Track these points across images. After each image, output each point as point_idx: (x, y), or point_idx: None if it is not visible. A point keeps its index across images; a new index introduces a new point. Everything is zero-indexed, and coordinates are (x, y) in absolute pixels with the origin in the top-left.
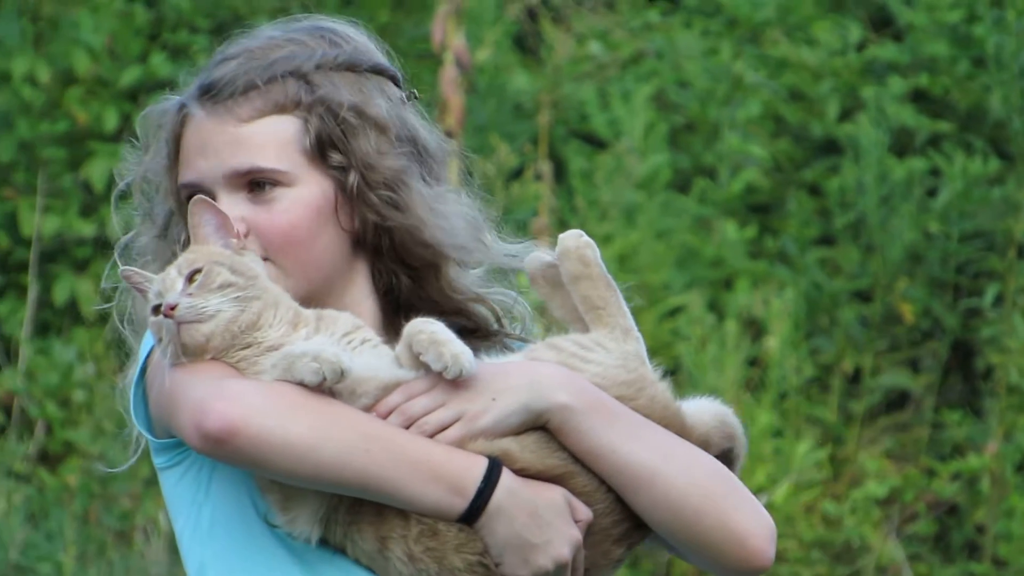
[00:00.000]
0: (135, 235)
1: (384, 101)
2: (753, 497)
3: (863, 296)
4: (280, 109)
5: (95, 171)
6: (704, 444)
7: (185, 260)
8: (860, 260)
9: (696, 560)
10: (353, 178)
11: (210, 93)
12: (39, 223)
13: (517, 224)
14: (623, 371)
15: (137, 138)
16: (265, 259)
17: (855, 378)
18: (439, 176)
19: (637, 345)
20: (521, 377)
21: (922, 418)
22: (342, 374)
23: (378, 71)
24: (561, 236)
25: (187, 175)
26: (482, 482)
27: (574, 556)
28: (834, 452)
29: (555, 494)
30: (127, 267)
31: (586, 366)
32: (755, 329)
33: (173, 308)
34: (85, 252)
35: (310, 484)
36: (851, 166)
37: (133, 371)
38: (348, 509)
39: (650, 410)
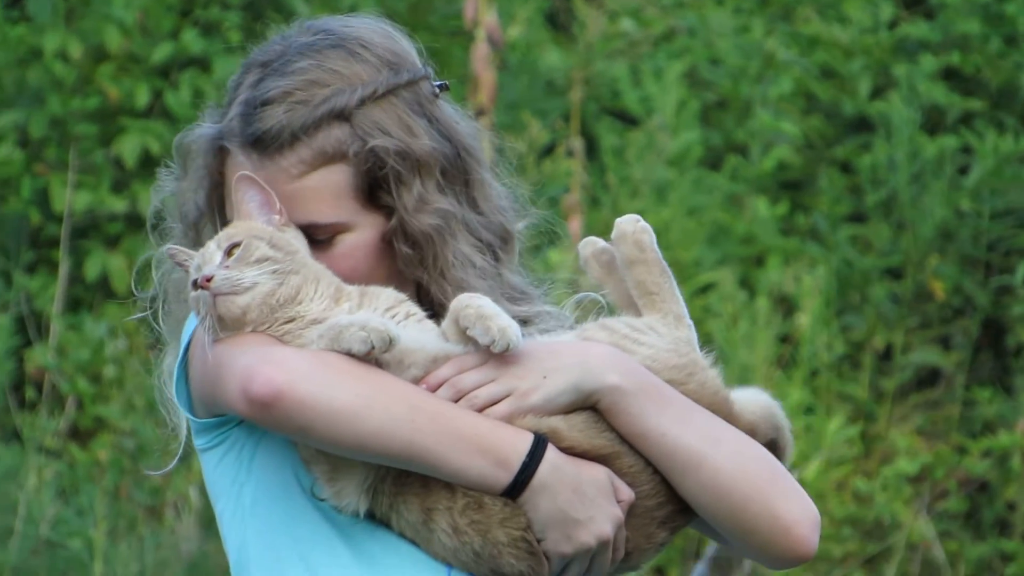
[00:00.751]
0: (165, 269)
1: (425, 126)
2: (799, 486)
3: (894, 273)
4: (329, 160)
5: (126, 147)
6: (751, 432)
7: (225, 234)
8: (891, 237)
9: (740, 548)
10: (393, 223)
11: (255, 146)
12: (70, 199)
13: (550, 201)
14: (674, 355)
15: (172, 162)
16: None
17: (886, 355)
18: (476, 176)
19: (689, 332)
20: (573, 356)
21: (953, 395)
22: (391, 342)
23: (413, 81)
24: (618, 220)
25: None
26: (527, 456)
27: (616, 535)
28: (865, 429)
29: (599, 472)
30: (171, 245)
31: (638, 348)
32: (786, 306)
33: (209, 280)
34: (116, 228)
35: (354, 453)
36: (882, 144)
37: (174, 357)
38: (394, 480)
39: (699, 395)
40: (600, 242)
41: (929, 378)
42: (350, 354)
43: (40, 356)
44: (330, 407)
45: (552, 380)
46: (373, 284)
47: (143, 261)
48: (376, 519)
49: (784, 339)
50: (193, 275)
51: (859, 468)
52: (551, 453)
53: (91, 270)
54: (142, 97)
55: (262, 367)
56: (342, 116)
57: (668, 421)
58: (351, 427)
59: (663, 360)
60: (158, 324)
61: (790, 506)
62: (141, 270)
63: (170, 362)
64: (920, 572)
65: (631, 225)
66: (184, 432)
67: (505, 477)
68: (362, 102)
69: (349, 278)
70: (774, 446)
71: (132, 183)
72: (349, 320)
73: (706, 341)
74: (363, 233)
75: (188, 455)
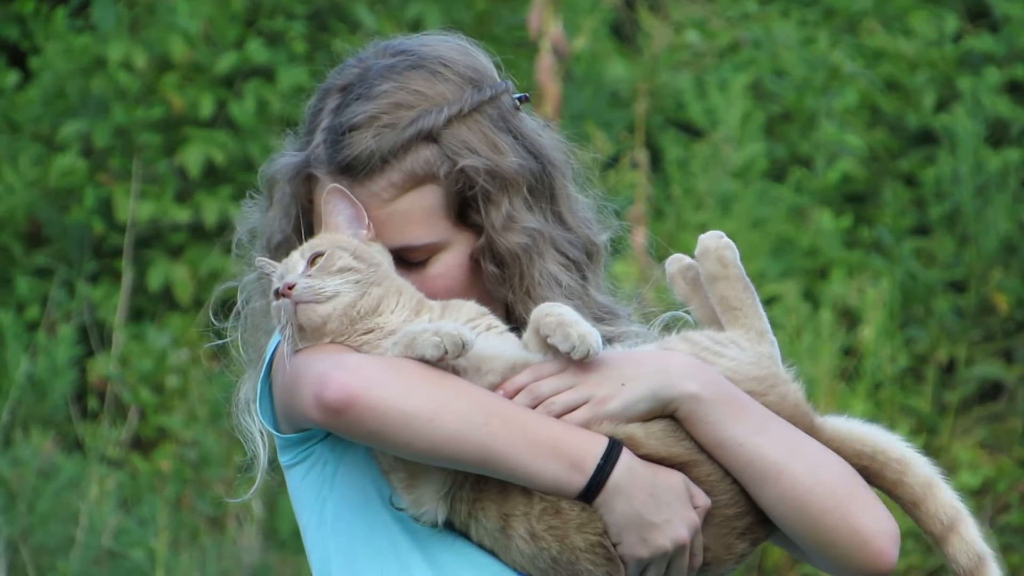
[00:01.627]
0: (246, 296)
1: (510, 142)
2: (878, 499)
3: (958, 286)
4: (419, 182)
5: (190, 157)
6: (833, 448)
7: (309, 245)
8: (955, 250)
9: (818, 561)
10: (481, 241)
11: (345, 172)
12: (134, 209)
13: (615, 214)
14: (755, 368)
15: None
16: None
17: (949, 368)
18: (561, 190)
19: (771, 348)
20: (652, 365)
21: (1016, 408)
22: (463, 346)
23: (495, 96)
24: (701, 236)
25: None
26: (602, 459)
27: (693, 540)
28: (928, 442)
29: (674, 477)
30: (261, 257)
31: (719, 360)
32: (850, 319)
33: (291, 288)
34: (180, 238)
35: (429, 458)
36: (946, 156)
37: (252, 384)
38: (472, 487)
39: (780, 407)
40: (686, 259)
41: (992, 391)
42: (424, 360)
43: (103, 366)
44: (403, 412)
45: (630, 387)
46: (464, 296)
47: (222, 291)
48: (455, 528)
49: (847, 352)
50: (276, 284)
51: None
52: (626, 457)
53: (154, 280)
54: (206, 107)
55: (335, 373)
56: (430, 137)
57: (746, 431)
58: (425, 432)
59: (744, 372)
60: (237, 351)
61: (868, 519)
62: (218, 298)
63: (247, 389)
64: None
65: (714, 241)
66: (264, 459)
67: (580, 480)
68: (448, 121)
69: (443, 298)
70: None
71: (196, 193)
72: (423, 327)
73: None
74: (456, 252)
75: (248, 465)
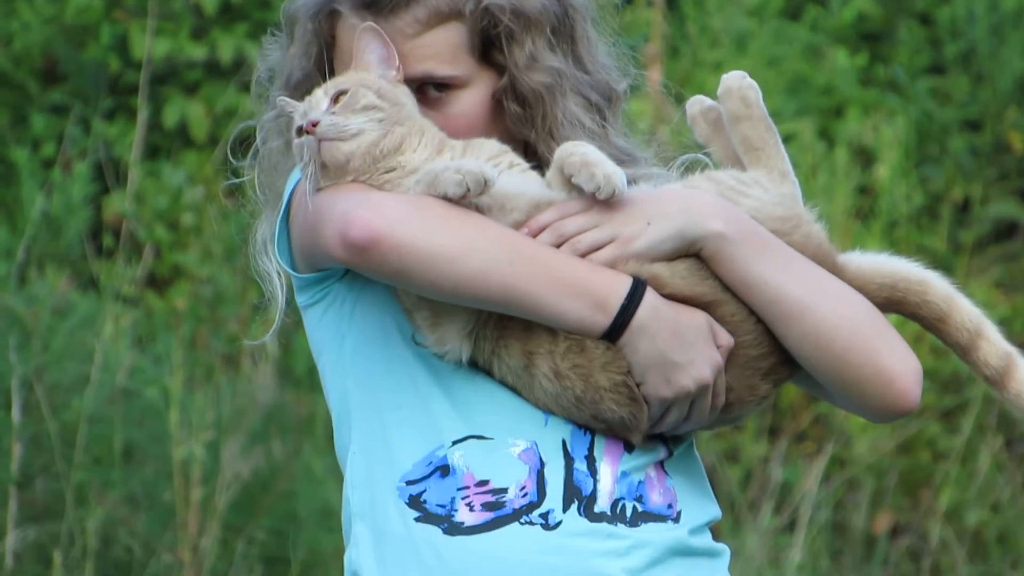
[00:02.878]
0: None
1: None
2: (902, 339)
3: (973, 125)
4: (444, 19)
5: None
6: (856, 286)
7: (333, 82)
8: (970, 89)
9: (842, 400)
10: (504, 81)
11: (369, 7)
12: (150, 46)
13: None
14: (779, 208)
15: (279, 29)
16: None
17: (964, 207)
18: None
19: (793, 188)
20: (677, 204)
21: None
22: (485, 184)
23: None
24: (724, 76)
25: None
26: (626, 299)
27: (716, 380)
28: None
29: (698, 317)
30: (281, 96)
31: (743, 199)
32: (865, 157)
33: (315, 125)
34: (195, 75)
35: (452, 297)
36: None
37: (269, 225)
38: (496, 325)
39: (804, 247)
40: (707, 100)
41: (1007, 231)
42: (446, 198)
43: (118, 203)
44: (428, 250)
45: (656, 226)
46: (484, 135)
47: (239, 130)
48: (478, 366)
49: (863, 190)
50: (298, 121)
51: None
52: (650, 296)
53: (170, 117)
54: None
55: (360, 211)
56: None
57: (771, 269)
58: (449, 270)
59: (768, 212)
60: (253, 191)
61: (893, 358)
62: (236, 137)
63: (264, 230)
64: (997, 425)
65: (737, 81)
66: (282, 300)
67: (604, 320)
68: None
69: (464, 137)
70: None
71: (212, 30)
72: (444, 164)
73: None
74: (477, 90)
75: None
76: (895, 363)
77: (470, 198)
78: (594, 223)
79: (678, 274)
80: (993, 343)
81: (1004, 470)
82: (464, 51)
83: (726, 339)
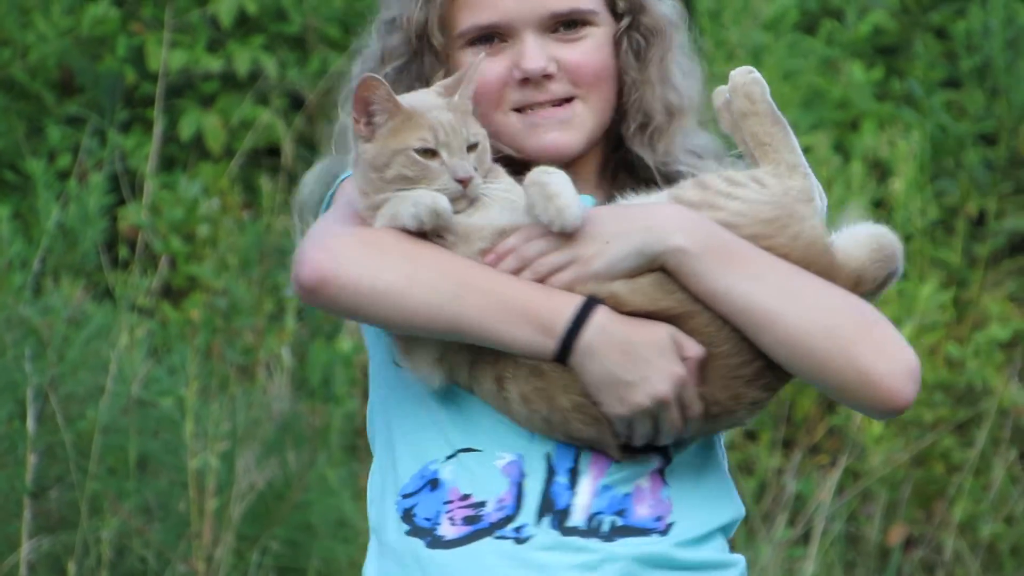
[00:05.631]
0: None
1: None
2: (893, 334)
3: (988, 139)
4: None
5: (223, 6)
6: (856, 280)
7: (465, 122)
8: (985, 103)
9: (839, 400)
10: (625, 22)
11: None
12: (166, 57)
13: None
14: (767, 208)
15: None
16: (572, 98)
17: (979, 221)
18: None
19: (803, 181)
20: (638, 221)
21: None
22: (438, 216)
23: None
24: (731, 72)
25: (486, 16)
26: (572, 321)
27: (681, 393)
28: (958, 295)
29: (658, 332)
30: (372, 75)
31: (728, 203)
32: (880, 171)
33: (468, 180)
34: (211, 87)
35: (407, 330)
36: (978, 9)
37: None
38: (468, 350)
39: (790, 248)
40: (728, 93)
41: (1022, 244)
42: (406, 230)
43: (134, 215)
44: (373, 288)
45: (614, 245)
46: (614, 90)
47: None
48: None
49: (878, 204)
50: (449, 164)
51: (951, 334)
52: (600, 316)
53: (186, 129)
54: None
55: (311, 252)
56: None
57: (737, 280)
58: (397, 306)
59: (753, 214)
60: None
61: (877, 360)
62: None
63: (321, 167)
64: (1011, 438)
65: (742, 77)
66: None
67: (551, 343)
68: None
69: (599, 73)
70: (889, 280)
71: (228, 42)
72: (404, 195)
73: None
74: (606, 30)
75: (285, 313)
76: (879, 365)
77: (426, 229)
78: (554, 246)
79: (640, 291)
80: None
81: (1018, 482)
82: None
83: (694, 351)
